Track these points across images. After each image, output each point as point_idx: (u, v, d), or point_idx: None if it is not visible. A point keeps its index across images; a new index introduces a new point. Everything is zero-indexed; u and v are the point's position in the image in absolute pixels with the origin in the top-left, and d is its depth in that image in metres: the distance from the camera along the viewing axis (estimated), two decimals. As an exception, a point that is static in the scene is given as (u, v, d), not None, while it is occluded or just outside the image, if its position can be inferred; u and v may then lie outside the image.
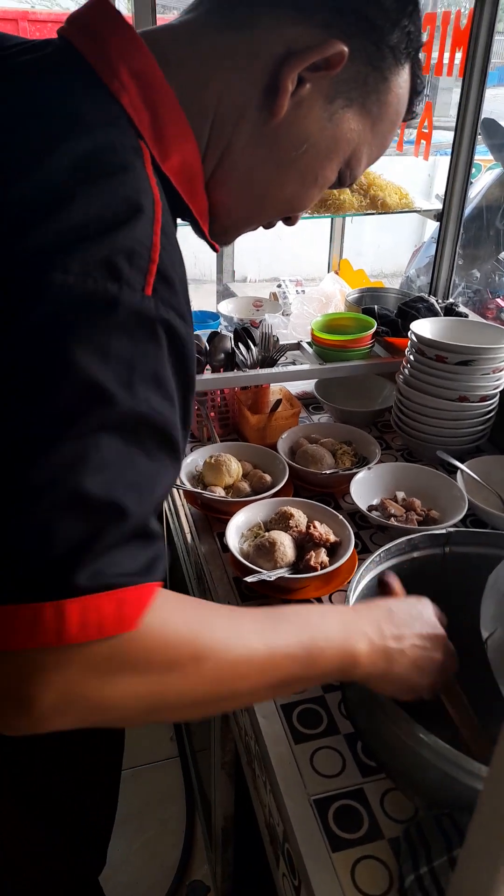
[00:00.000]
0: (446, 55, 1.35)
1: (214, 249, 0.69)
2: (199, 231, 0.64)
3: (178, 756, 1.78)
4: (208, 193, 0.63)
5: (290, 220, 0.71)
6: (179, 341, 0.48)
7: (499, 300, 2.72)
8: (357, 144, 0.64)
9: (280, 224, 0.73)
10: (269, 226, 0.71)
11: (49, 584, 0.42)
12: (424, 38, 1.39)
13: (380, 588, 0.74)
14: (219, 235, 0.68)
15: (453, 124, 1.39)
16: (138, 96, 0.52)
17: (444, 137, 1.81)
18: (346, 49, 0.56)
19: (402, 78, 0.63)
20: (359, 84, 0.60)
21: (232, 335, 1.36)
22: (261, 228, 0.72)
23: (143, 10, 1.08)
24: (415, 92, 0.66)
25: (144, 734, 1.83)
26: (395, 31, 0.59)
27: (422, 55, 0.65)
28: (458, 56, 1.34)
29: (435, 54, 1.37)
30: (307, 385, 1.49)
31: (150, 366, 0.46)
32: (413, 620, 0.67)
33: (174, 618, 0.49)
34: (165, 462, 0.49)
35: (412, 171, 1.69)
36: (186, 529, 1.22)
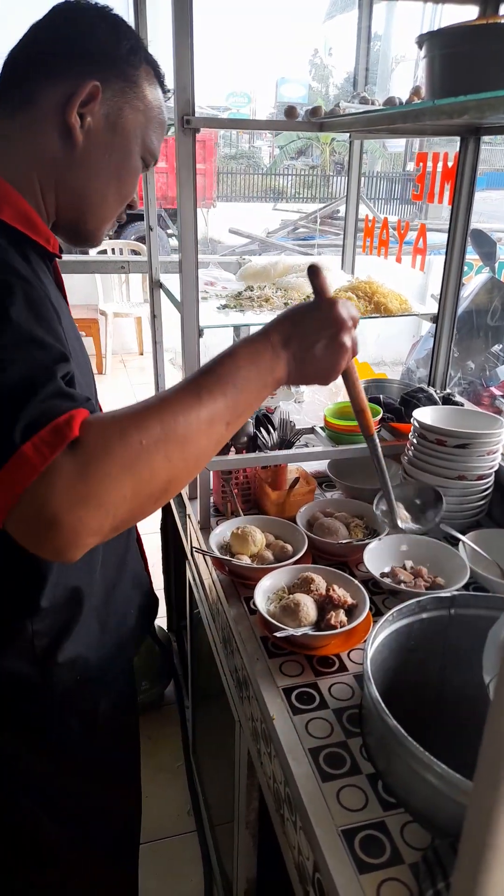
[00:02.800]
0: (437, 186, 1.59)
1: (58, 257, 0.89)
2: (42, 251, 0.83)
3: (195, 830, 1.80)
4: (66, 219, 0.88)
5: (131, 207, 0.96)
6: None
7: (493, 389, 2.93)
8: (142, 132, 0.89)
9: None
10: (120, 219, 0.95)
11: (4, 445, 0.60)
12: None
13: (310, 275, 0.83)
14: (89, 240, 0.93)
15: (444, 226, 1.61)
16: None
17: (438, 239, 2.01)
18: (97, 82, 0.81)
19: (146, 75, 0.87)
20: (119, 96, 0.85)
21: (253, 420, 1.52)
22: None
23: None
24: (158, 76, 0.91)
25: (160, 808, 1.85)
26: (120, 50, 0.84)
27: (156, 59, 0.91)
28: (447, 187, 1.58)
29: (428, 185, 1.61)
30: (320, 465, 1.64)
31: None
32: (318, 326, 0.79)
33: (107, 416, 0.65)
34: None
35: (409, 277, 1.92)
36: (213, 595, 1.33)
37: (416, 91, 1.46)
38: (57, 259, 0.89)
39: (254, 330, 0.82)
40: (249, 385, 0.74)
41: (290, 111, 1.35)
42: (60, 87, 0.81)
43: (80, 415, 0.63)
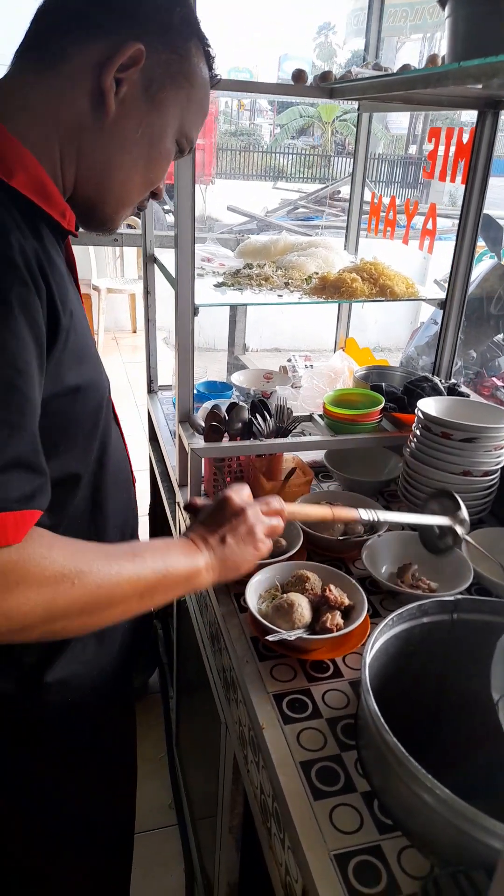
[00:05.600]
0: (449, 164, 1.50)
1: (74, 235, 0.81)
2: (55, 226, 0.75)
3: (176, 824, 1.76)
4: (83, 196, 0.79)
5: (155, 195, 0.87)
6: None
7: (495, 379, 2.86)
8: (182, 112, 0.80)
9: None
10: (141, 207, 0.87)
11: None
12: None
13: (189, 512, 0.94)
14: (105, 224, 0.84)
15: (445, 212, 1.53)
16: None
17: (439, 223, 1.91)
18: (141, 46, 0.72)
19: (195, 51, 0.79)
20: (163, 68, 0.76)
21: (249, 406, 1.44)
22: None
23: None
24: (208, 57, 0.82)
25: (142, 801, 1.80)
26: (173, 17, 0.76)
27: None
28: (461, 165, 1.49)
29: (439, 164, 1.52)
30: (317, 454, 1.57)
31: None
32: (220, 520, 0.86)
33: (56, 542, 0.65)
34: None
35: (412, 260, 1.83)
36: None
37: (431, 59, 1.37)
38: (71, 236, 0.80)
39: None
40: (178, 570, 0.78)
41: (299, 75, 1.26)
42: (99, 45, 0.72)
43: (31, 520, 0.62)
